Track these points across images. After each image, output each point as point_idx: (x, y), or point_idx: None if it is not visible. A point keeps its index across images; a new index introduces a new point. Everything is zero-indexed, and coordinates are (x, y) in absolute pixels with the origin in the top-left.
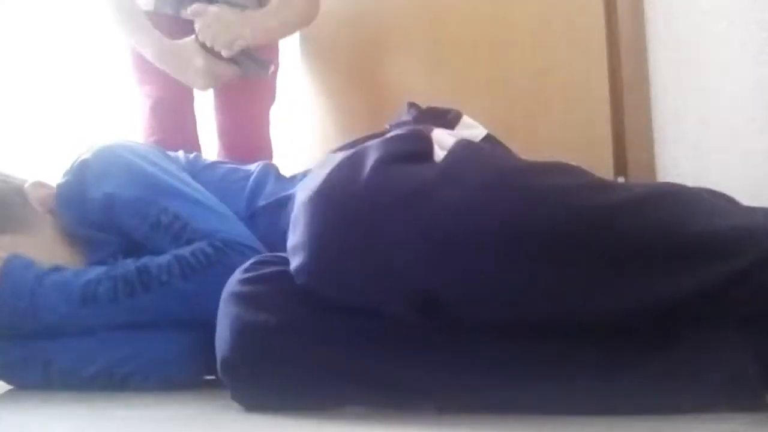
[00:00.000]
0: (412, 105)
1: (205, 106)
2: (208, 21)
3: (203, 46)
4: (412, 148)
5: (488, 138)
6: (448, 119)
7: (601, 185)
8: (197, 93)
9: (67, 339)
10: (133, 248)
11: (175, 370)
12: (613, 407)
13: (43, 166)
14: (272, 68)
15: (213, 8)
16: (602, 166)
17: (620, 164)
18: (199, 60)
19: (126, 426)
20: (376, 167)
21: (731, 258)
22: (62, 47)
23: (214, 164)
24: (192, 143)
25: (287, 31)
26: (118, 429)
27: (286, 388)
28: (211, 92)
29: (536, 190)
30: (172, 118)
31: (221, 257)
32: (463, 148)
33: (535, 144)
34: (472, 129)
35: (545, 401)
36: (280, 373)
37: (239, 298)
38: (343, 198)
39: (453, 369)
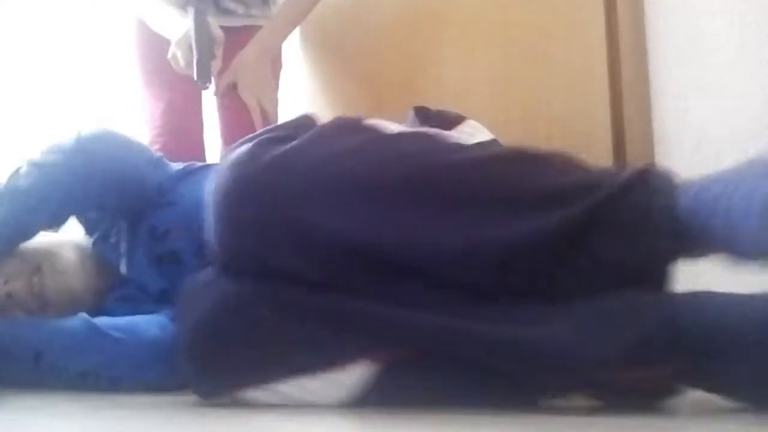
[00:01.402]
0: (418, 108)
1: (211, 107)
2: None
3: (197, 41)
4: (283, 133)
5: (495, 143)
6: (447, 121)
7: (460, 147)
8: (205, 95)
9: (60, 332)
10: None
11: (162, 376)
12: (521, 360)
13: None
14: (207, 87)
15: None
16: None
17: (620, 164)
18: (176, 50)
19: (125, 426)
20: (249, 153)
21: (566, 206)
22: (69, 49)
23: (210, 165)
24: (198, 145)
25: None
26: (117, 429)
27: (244, 360)
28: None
29: (396, 150)
30: (181, 120)
31: (80, 136)
32: (336, 120)
33: (535, 144)
34: (477, 133)
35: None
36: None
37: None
38: (229, 186)
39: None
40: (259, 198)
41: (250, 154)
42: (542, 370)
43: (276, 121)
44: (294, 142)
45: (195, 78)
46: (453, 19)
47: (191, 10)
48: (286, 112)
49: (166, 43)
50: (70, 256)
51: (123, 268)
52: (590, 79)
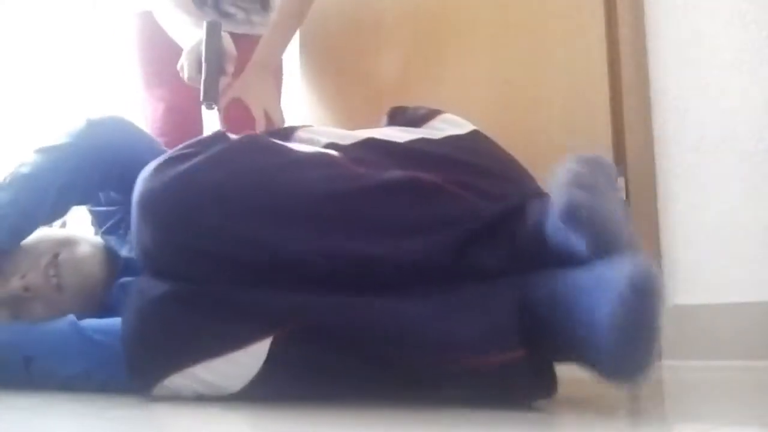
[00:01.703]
0: (394, 109)
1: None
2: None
3: (207, 59)
4: (194, 150)
5: (475, 134)
6: (417, 117)
7: (350, 175)
8: None
9: (48, 337)
10: None
11: None
12: (404, 331)
13: None
14: (213, 108)
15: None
16: None
17: (620, 164)
18: (184, 60)
19: (125, 426)
20: (155, 169)
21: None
22: (69, 49)
23: None
24: None
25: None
26: (117, 429)
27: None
28: None
29: (292, 175)
30: (181, 121)
31: (90, 120)
32: (244, 138)
33: (535, 144)
34: (449, 127)
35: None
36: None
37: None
38: (138, 199)
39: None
40: (160, 212)
41: (156, 171)
42: (409, 344)
43: None
44: (196, 160)
45: (201, 98)
46: (453, 19)
47: (205, 23)
48: (285, 113)
49: (168, 43)
50: (84, 245)
51: (125, 252)
52: (590, 79)
